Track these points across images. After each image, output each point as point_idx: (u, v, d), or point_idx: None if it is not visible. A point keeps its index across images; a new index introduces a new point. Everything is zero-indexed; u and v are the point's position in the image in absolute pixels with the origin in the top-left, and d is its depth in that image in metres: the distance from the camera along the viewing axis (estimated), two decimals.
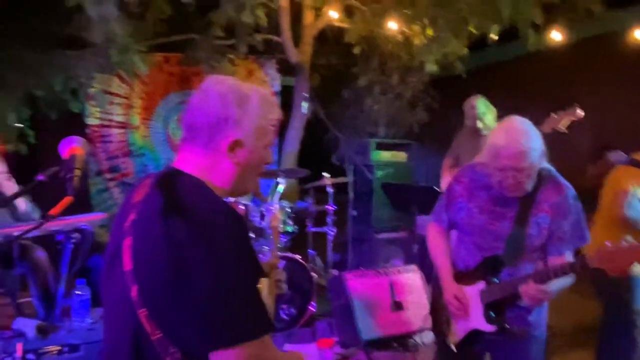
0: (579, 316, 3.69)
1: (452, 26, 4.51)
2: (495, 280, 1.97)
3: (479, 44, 4.97)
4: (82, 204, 4.95)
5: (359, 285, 3.36)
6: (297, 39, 5.62)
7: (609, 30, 5.23)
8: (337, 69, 6.54)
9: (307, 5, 5.47)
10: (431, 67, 4.86)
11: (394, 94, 6.18)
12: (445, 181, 3.95)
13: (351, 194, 4.25)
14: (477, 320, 2.00)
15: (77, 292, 2.85)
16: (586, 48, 5.32)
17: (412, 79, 6.09)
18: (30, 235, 3.14)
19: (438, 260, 2.21)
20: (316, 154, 5.89)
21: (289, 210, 4.01)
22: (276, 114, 1.28)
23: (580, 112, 3.33)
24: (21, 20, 4.63)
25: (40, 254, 3.57)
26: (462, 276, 2.10)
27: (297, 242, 4.79)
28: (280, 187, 4.03)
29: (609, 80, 5.24)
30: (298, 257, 3.70)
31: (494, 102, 3.95)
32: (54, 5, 4.03)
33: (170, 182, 1.16)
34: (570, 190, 1.97)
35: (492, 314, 1.96)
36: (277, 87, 6.09)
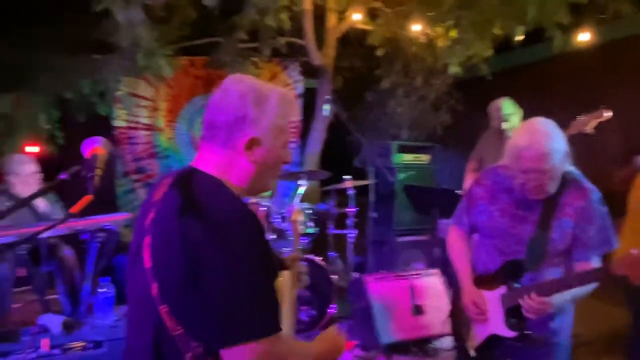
0: (607, 324, 3.59)
1: (476, 28, 4.45)
2: (517, 284, 1.94)
3: (504, 45, 4.89)
4: (109, 205, 5.07)
5: (380, 288, 3.34)
6: (320, 42, 5.64)
7: (638, 32, 5.10)
8: (360, 72, 6.53)
9: (331, 8, 5.48)
10: (454, 69, 4.81)
11: (417, 97, 6.14)
12: (468, 184, 3.90)
13: (372, 197, 4.23)
14: (497, 325, 1.97)
15: (101, 289, 2.91)
16: (614, 50, 5.19)
17: (435, 81, 6.03)
18: (57, 234, 3.25)
19: (458, 264, 2.18)
20: (339, 156, 5.89)
21: (310, 212, 4.02)
22: (295, 113, 1.29)
23: (607, 114, 3.26)
24: (52, 26, 4.77)
25: (67, 253, 3.67)
26: (483, 280, 2.07)
27: (318, 244, 4.79)
28: (301, 189, 4.05)
29: (637, 82, 5.10)
30: (318, 259, 3.70)
31: (519, 104, 3.90)
32: (83, 11, 4.13)
33: (188, 181, 1.18)
34: (595, 193, 1.92)
35: (513, 320, 1.92)
36: (300, 89, 6.12)
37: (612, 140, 4.49)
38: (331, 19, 5.57)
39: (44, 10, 4.81)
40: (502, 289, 1.97)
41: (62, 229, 3.27)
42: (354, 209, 4.37)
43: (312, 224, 4.01)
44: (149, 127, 5.74)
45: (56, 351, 2.36)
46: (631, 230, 2.74)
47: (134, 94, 5.54)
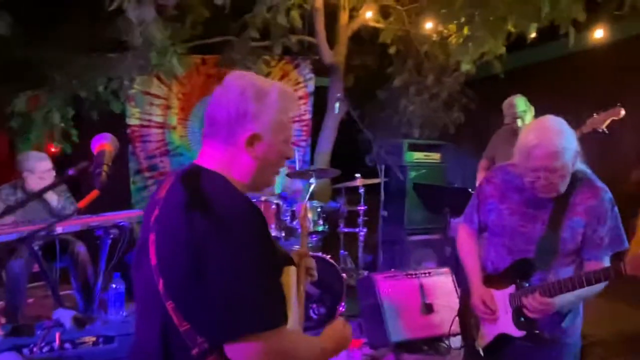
0: (622, 325, 3.55)
1: (489, 25, 4.41)
2: (526, 284, 1.92)
3: (517, 43, 4.85)
4: (122, 202, 5.13)
5: (389, 286, 3.33)
6: (332, 40, 5.64)
7: None
8: (371, 70, 6.51)
9: (342, 6, 5.48)
10: (466, 67, 4.78)
11: (429, 95, 6.10)
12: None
13: (382, 195, 4.22)
14: (506, 325, 1.95)
15: (113, 285, 2.95)
16: (630, 47, 5.11)
17: (447, 79, 5.99)
18: (70, 230, 3.30)
19: (467, 263, 2.17)
20: (350, 154, 5.89)
21: (320, 210, 4.03)
22: (296, 109, 1.30)
23: (621, 111, 3.22)
24: (66, 25, 4.83)
25: (81, 249, 3.72)
26: (492, 279, 2.06)
27: (328, 242, 4.80)
28: (311, 187, 4.06)
29: None
30: (328, 257, 3.70)
31: (533, 102, 3.86)
32: (97, 10, 4.18)
33: (193, 178, 1.19)
34: (606, 193, 1.89)
35: (522, 319, 1.91)
36: (312, 87, 6.13)
37: (628, 140, 4.43)
38: (343, 17, 5.57)
39: (59, 10, 4.88)
40: (511, 288, 1.96)
41: (76, 225, 3.32)
42: (364, 207, 4.36)
43: (322, 222, 4.01)
44: (162, 125, 5.79)
45: (68, 345, 2.40)
46: None
47: (147, 93, 5.59)
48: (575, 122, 3.30)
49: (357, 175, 4.31)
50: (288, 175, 4.47)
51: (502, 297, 1.99)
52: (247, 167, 1.23)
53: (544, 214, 1.93)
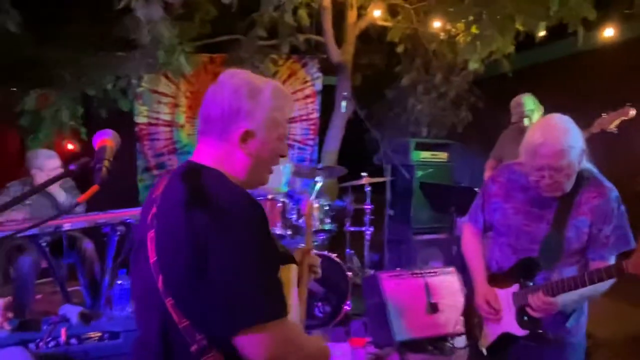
0: (628, 325, 3.52)
1: (498, 24, 4.37)
2: (530, 283, 1.91)
3: (527, 42, 4.81)
4: (130, 199, 5.16)
5: (394, 285, 3.32)
6: (340, 39, 5.63)
7: None
8: (379, 69, 6.50)
9: (350, 5, 5.47)
10: (474, 66, 4.75)
11: (437, 94, 6.08)
12: None
13: (388, 194, 4.21)
14: (510, 324, 1.94)
15: (118, 281, 2.97)
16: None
17: (455, 78, 5.96)
18: (78, 227, 3.33)
19: (471, 262, 2.16)
20: (358, 153, 5.88)
21: (328, 208, 4.02)
22: (291, 107, 1.30)
23: (632, 112, 3.19)
24: (75, 23, 4.87)
25: (88, 245, 3.75)
26: (496, 278, 2.05)
27: (335, 241, 4.80)
28: (318, 185, 4.06)
29: None
30: (333, 255, 3.70)
31: (541, 102, 3.83)
32: (105, 8, 4.21)
33: (192, 175, 1.19)
34: (612, 192, 1.87)
35: (525, 318, 1.89)
36: (319, 86, 6.13)
37: (637, 139, 4.37)
38: (351, 16, 5.56)
39: (68, 8, 4.92)
40: (514, 287, 1.95)
41: (83, 222, 3.35)
42: (370, 206, 4.36)
43: (329, 220, 4.01)
44: (170, 124, 5.82)
45: (73, 341, 2.42)
46: None
47: (155, 91, 5.61)
48: (584, 122, 3.27)
49: (364, 174, 4.31)
50: (294, 173, 4.47)
51: (505, 296, 1.98)
52: (241, 164, 1.24)
53: (548, 213, 1.92)
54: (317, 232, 3.99)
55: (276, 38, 5.31)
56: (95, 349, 2.43)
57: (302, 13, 4.96)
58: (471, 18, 4.51)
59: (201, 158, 1.25)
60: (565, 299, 1.80)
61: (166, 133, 5.83)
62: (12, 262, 3.50)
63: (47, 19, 4.82)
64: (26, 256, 3.46)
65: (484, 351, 2.06)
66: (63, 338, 2.42)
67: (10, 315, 1.98)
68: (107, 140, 1.12)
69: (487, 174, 4.09)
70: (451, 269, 3.53)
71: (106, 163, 1.06)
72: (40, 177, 3.58)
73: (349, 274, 3.74)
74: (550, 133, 1.80)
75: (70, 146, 5.30)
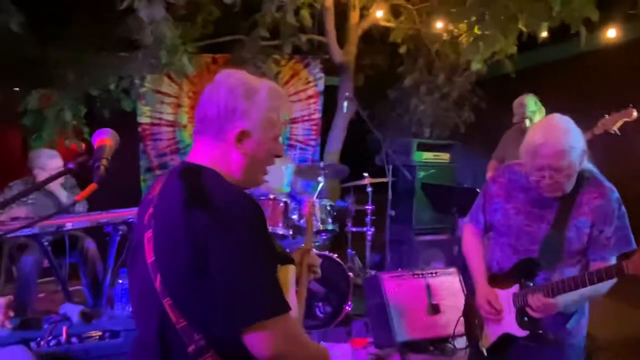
0: (628, 327, 3.50)
1: (500, 24, 4.37)
2: (530, 283, 1.90)
3: (530, 43, 4.81)
4: (133, 199, 5.17)
5: (395, 286, 3.32)
6: (342, 39, 5.63)
7: None
8: (382, 69, 6.49)
9: (353, 5, 5.47)
10: (477, 66, 4.74)
11: (440, 94, 6.07)
12: None
13: (390, 194, 4.21)
14: (510, 325, 1.94)
15: (120, 281, 2.97)
16: None
17: (458, 79, 5.95)
18: (79, 226, 3.34)
19: (472, 263, 2.16)
20: (361, 154, 5.88)
21: (330, 208, 4.02)
22: (287, 108, 1.30)
23: (634, 113, 3.18)
24: (78, 24, 4.88)
25: (90, 245, 3.76)
26: (497, 279, 2.04)
27: (336, 241, 4.80)
28: (319, 185, 4.06)
29: None
30: (334, 255, 3.70)
31: (544, 103, 3.82)
32: (108, 9, 4.22)
33: (190, 175, 1.20)
34: (613, 192, 1.87)
35: (526, 319, 1.89)
36: (322, 86, 6.13)
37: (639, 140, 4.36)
38: (354, 16, 5.56)
39: (71, 8, 4.93)
40: (514, 288, 1.94)
41: (85, 222, 3.36)
42: (371, 207, 4.35)
43: (331, 220, 4.01)
44: (172, 124, 5.84)
45: (74, 340, 2.43)
46: None
47: (158, 91, 5.63)
48: (587, 123, 3.27)
49: (365, 174, 4.30)
50: (296, 173, 4.47)
51: (506, 296, 1.97)
52: (237, 164, 1.24)
53: (549, 213, 1.91)
54: (318, 232, 3.99)
55: (279, 38, 5.31)
56: (96, 348, 2.44)
57: (305, 13, 4.96)
58: (474, 18, 4.50)
59: (197, 158, 1.25)
60: (566, 299, 1.79)
61: (169, 133, 5.84)
62: (15, 261, 3.52)
63: (49, 18, 4.84)
64: (29, 255, 3.47)
65: (484, 352, 2.05)
66: (64, 337, 2.42)
67: (11, 314, 1.98)
68: (106, 139, 1.13)
69: (489, 174, 4.08)
70: (452, 269, 3.52)
71: (104, 162, 1.07)
72: (42, 177, 3.59)
73: (350, 274, 3.74)
74: (551, 133, 1.80)
75: (73, 145, 5.31)
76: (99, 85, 4.88)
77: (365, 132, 5.77)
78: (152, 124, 5.77)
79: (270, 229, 3.75)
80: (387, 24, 5.52)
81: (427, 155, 5.26)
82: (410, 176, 4.26)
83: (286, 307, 1.12)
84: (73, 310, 2.58)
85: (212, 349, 1.12)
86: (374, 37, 6.00)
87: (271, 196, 3.90)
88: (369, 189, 4.34)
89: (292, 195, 4.17)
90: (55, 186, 3.60)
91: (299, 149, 6.11)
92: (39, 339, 2.41)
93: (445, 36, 5.35)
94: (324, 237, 4.17)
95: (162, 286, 1.13)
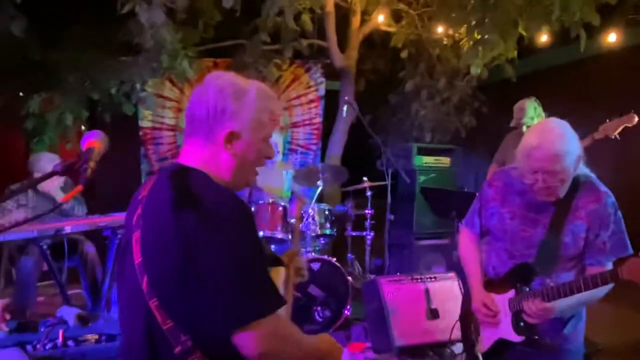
0: (632, 332, 3.47)
1: (500, 28, 4.37)
2: (526, 288, 1.89)
3: (531, 47, 4.81)
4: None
5: (394, 290, 3.30)
6: (343, 44, 5.64)
7: None
8: (383, 74, 6.50)
9: (354, 10, 5.48)
10: (476, 71, 4.73)
11: (441, 99, 6.07)
12: None
13: (389, 199, 4.20)
14: (506, 330, 1.92)
15: None
16: None
17: (459, 83, 5.95)
18: (79, 230, 3.34)
19: (468, 267, 2.15)
20: (362, 158, 5.87)
21: (328, 212, 4.02)
22: (278, 109, 1.30)
23: (635, 118, 3.16)
24: (80, 28, 4.91)
25: (89, 248, 3.77)
26: (493, 284, 2.03)
27: (336, 245, 4.79)
28: (318, 190, 4.06)
29: None
30: (333, 259, 3.69)
31: (545, 107, 3.81)
32: (110, 13, 4.25)
33: (179, 176, 1.20)
34: (609, 197, 1.86)
35: (522, 324, 1.88)
36: (322, 91, 6.14)
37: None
38: (355, 21, 5.57)
39: (72, 12, 4.96)
40: (510, 293, 1.93)
41: (85, 225, 3.37)
42: (371, 211, 4.35)
43: (329, 225, 4.00)
44: (174, 128, 5.86)
45: (71, 343, 2.43)
46: None
47: (160, 95, 5.65)
48: (587, 128, 3.25)
49: (365, 178, 4.30)
50: (295, 177, 4.47)
51: (502, 301, 1.96)
52: (226, 165, 1.24)
53: (545, 217, 1.90)
54: (317, 236, 3.99)
55: (280, 43, 5.33)
56: (92, 351, 2.44)
57: (306, 18, 4.97)
58: (473, 23, 4.51)
59: (187, 159, 1.25)
60: (562, 304, 1.78)
61: (170, 137, 5.86)
62: (14, 263, 3.53)
63: (51, 23, 4.87)
64: (28, 257, 3.48)
65: (480, 357, 2.04)
66: (60, 340, 2.43)
67: (7, 317, 1.99)
68: (95, 141, 1.13)
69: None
70: (451, 274, 3.50)
71: (92, 164, 1.07)
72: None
73: (349, 278, 3.73)
74: (546, 137, 1.79)
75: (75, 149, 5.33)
76: (101, 89, 4.90)
77: (366, 137, 5.76)
78: (154, 128, 5.79)
79: (269, 233, 3.75)
80: (388, 29, 5.53)
81: (428, 160, 5.25)
82: (409, 180, 4.24)
83: (275, 306, 1.13)
84: (70, 314, 2.58)
85: (199, 349, 1.11)
86: (375, 42, 6.02)
87: (270, 200, 3.90)
88: (369, 193, 4.33)
89: (291, 200, 4.17)
90: (55, 190, 3.61)
91: (300, 153, 6.11)
92: (35, 342, 2.41)
93: (446, 41, 5.35)
94: (323, 241, 4.16)
95: (149, 287, 1.13)
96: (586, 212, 1.84)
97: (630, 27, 4.62)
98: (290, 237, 3.88)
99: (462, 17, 4.64)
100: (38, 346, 2.39)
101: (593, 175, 1.93)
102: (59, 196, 3.62)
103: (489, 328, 2.00)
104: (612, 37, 4.56)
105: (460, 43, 5.16)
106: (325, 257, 3.72)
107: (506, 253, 2.00)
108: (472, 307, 2.05)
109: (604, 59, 4.99)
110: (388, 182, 4.10)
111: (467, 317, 2.17)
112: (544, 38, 4.38)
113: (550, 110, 3.72)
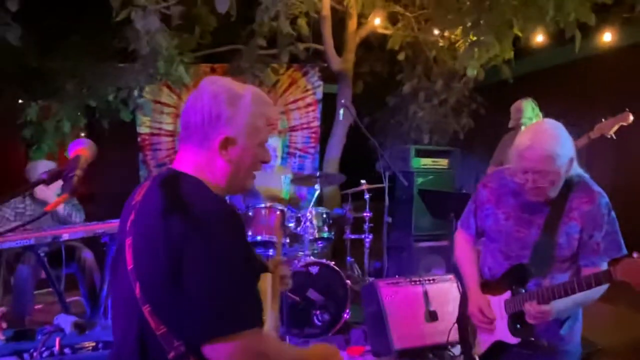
0: (631, 332, 3.46)
1: (495, 29, 4.37)
2: (522, 290, 1.88)
3: (528, 49, 4.81)
4: None
5: (392, 293, 3.29)
6: (340, 47, 5.64)
7: None
8: (381, 76, 6.51)
9: (350, 14, 5.49)
10: (472, 72, 4.73)
11: (438, 100, 6.07)
12: None
13: (387, 201, 4.20)
14: (502, 332, 1.92)
15: None
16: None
17: (457, 85, 5.95)
18: (77, 236, 3.34)
19: (464, 269, 2.14)
20: (360, 161, 5.87)
21: (326, 216, 4.01)
22: (272, 113, 1.29)
23: (630, 117, 3.16)
24: (76, 35, 4.92)
25: (87, 255, 3.77)
26: (489, 285, 2.03)
27: (335, 248, 4.78)
28: (316, 193, 4.05)
29: None
30: (332, 263, 3.69)
31: (542, 108, 3.81)
32: (106, 20, 4.26)
33: (170, 182, 1.20)
34: (603, 197, 1.85)
35: (518, 326, 1.87)
36: (320, 94, 6.15)
37: (637, 145, 4.33)
38: (351, 24, 5.58)
39: (69, 20, 4.98)
40: (506, 295, 1.93)
41: (82, 232, 3.36)
42: (369, 214, 4.34)
43: (327, 228, 4.00)
44: (172, 134, 5.87)
45: (67, 350, 2.42)
46: None
47: (157, 101, 5.66)
48: (584, 127, 3.25)
49: (363, 181, 4.30)
50: (292, 181, 4.47)
51: (497, 303, 1.96)
52: (221, 171, 1.23)
53: (539, 218, 1.90)
54: (316, 240, 3.98)
55: (277, 47, 5.33)
56: (89, 359, 2.43)
57: (302, 22, 4.98)
58: (469, 24, 4.51)
59: (182, 165, 1.24)
60: (558, 305, 1.77)
61: (168, 143, 5.87)
62: (11, 271, 3.53)
63: (48, 31, 4.88)
64: (24, 265, 3.48)
65: (477, 359, 2.03)
66: (57, 348, 2.41)
67: (4, 325, 1.98)
68: (82, 149, 1.13)
69: None
70: (450, 276, 3.50)
71: (78, 172, 1.07)
72: (39, 189, 3.60)
73: (348, 281, 3.72)
74: (538, 138, 1.79)
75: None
76: (98, 96, 4.92)
77: (365, 139, 5.77)
78: (152, 134, 5.80)
79: (267, 237, 3.74)
80: (385, 31, 5.54)
81: (426, 162, 5.24)
82: (407, 182, 4.23)
83: (254, 323, 1.12)
84: (67, 321, 2.57)
85: (192, 355, 1.11)
86: (372, 45, 6.02)
87: (268, 204, 3.89)
88: (367, 196, 4.33)
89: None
90: (52, 197, 3.61)
91: (298, 157, 6.11)
92: (32, 350, 2.40)
93: (442, 43, 5.36)
94: (321, 244, 4.15)
95: (142, 293, 1.13)
96: (580, 213, 1.84)
97: (626, 26, 4.62)
98: (287, 241, 3.88)
99: (458, 19, 4.64)
100: (35, 354, 2.38)
101: (587, 176, 1.92)
102: (60, 207, 3.62)
103: (486, 330, 1.99)
104: (607, 37, 4.56)
105: (457, 45, 5.16)
106: (324, 260, 3.71)
107: (501, 254, 2.00)
108: (468, 310, 2.04)
109: (600, 58, 4.99)
110: (386, 184, 4.09)
111: (464, 320, 2.16)
112: (539, 39, 4.38)
113: (547, 110, 3.72)
